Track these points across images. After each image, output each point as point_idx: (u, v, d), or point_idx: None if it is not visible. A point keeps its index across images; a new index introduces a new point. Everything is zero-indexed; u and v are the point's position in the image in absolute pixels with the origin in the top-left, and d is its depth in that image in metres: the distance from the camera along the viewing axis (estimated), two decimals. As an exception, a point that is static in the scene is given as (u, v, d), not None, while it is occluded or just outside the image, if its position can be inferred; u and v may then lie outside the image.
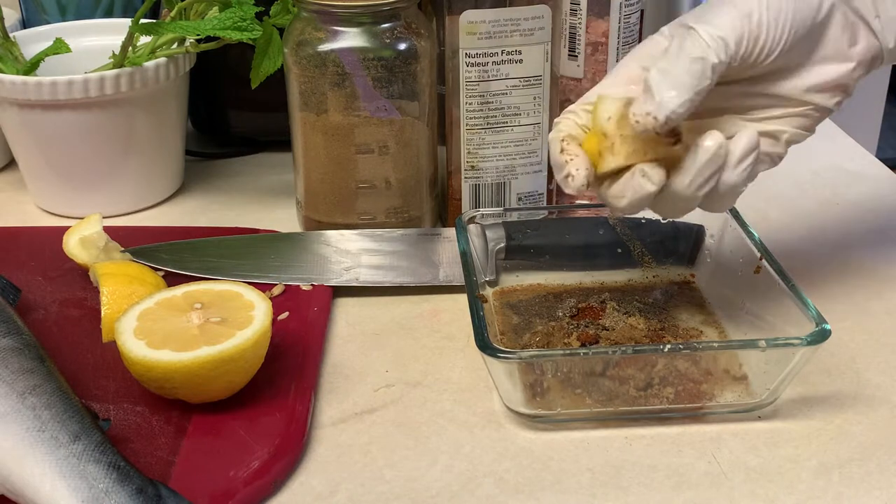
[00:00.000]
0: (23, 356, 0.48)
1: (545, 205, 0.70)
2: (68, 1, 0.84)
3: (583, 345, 0.55)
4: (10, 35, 0.74)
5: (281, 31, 0.69)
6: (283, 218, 0.73)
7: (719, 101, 0.51)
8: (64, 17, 0.85)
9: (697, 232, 0.63)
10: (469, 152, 0.67)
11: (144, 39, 0.73)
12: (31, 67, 0.70)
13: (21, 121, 0.71)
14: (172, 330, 0.51)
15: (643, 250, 0.63)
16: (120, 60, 0.70)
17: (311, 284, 0.63)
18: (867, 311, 0.62)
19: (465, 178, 0.68)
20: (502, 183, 0.68)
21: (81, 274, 0.64)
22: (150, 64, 0.70)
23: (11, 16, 0.84)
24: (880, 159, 0.83)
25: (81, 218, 0.66)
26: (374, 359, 0.58)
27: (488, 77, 0.65)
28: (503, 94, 0.65)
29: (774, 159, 0.52)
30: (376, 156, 0.66)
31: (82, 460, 0.43)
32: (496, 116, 0.66)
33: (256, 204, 0.77)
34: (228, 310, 0.52)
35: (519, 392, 0.52)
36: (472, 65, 0.64)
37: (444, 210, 0.71)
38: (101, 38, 0.77)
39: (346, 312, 0.62)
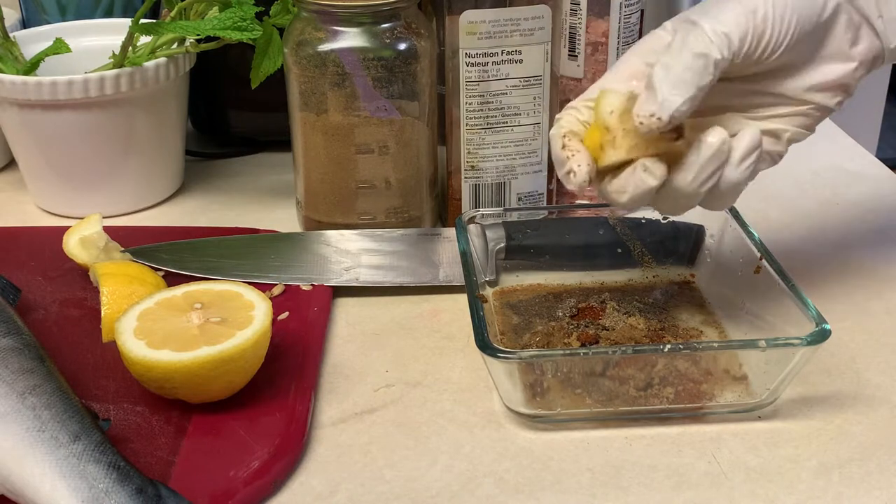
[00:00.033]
0: (23, 356, 0.48)
1: (545, 205, 0.70)
2: (68, 1, 0.84)
3: (583, 345, 0.55)
4: (10, 35, 0.74)
5: (281, 31, 0.69)
6: (283, 218, 0.73)
7: (721, 99, 0.51)
8: (64, 17, 0.85)
9: (697, 232, 0.63)
10: (469, 152, 0.67)
11: (144, 39, 0.73)
12: (31, 67, 0.70)
13: (21, 121, 0.71)
14: (172, 330, 0.51)
15: (643, 250, 0.63)
16: (120, 60, 0.70)
17: (311, 284, 0.63)
18: (867, 311, 0.62)
19: (465, 178, 0.68)
20: (502, 183, 0.68)
21: (81, 274, 0.64)
22: (150, 64, 0.70)
23: (11, 16, 0.84)
24: (880, 159, 0.83)
25: (81, 218, 0.66)
26: (374, 359, 0.58)
27: (488, 77, 0.65)
28: (503, 94, 0.65)
29: (775, 158, 0.52)
30: (376, 156, 0.66)
31: (82, 460, 0.43)
32: (496, 116, 0.66)
33: (256, 204, 0.77)
34: (228, 310, 0.52)
35: (519, 392, 0.52)
36: (472, 65, 0.64)
37: (444, 210, 0.71)
38: (101, 38, 0.77)
39: (346, 312, 0.62)
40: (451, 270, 0.64)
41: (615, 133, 0.48)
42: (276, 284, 0.63)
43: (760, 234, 0.59)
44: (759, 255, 0.57)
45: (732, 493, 0.47)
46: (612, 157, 0.48)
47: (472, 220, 0.62)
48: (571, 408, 0.51)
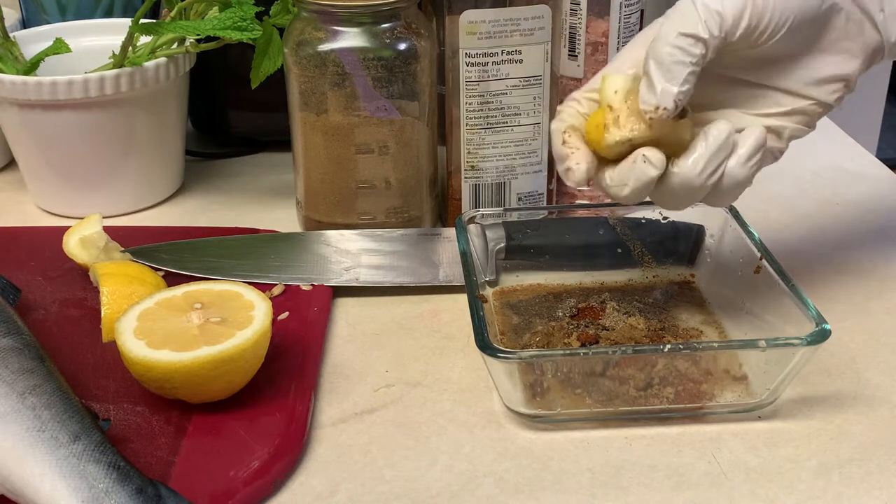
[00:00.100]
0: (23, 356, 0.48)
1: (545, 205, 0.70)
2: (68, 1, 0.84)
3: (583, 345, 0.55)
4: (10, 35, 0.74)
5: (281, 31, 0.69)
6: (283, 218, 0.73)
7: (722, 95, 0.51)
8: (64, 17, 0.85)
9: (697, 232, 0.63)
10: (469, 152, 0.67)
11: (144, 39, 0.73)
12: (31, 67, 0.70)
13: (21, 121, 0.71)
14: (172, 330, 0.51)
15: (643, 250, 0.63)
16: (120, 60, 0.70)
17: (311, 284, 0.63)
18: (867, 311, 0.62)
19: (465, 178, 0.68)
20: (502, 183, 0.68)
21: (81, 274, 0.64)
22: (150, 64, 0.70)
23: (11, 16, 0.84)
24: (880, 159, 0.83)
25: (81, 218, 0.66)
26: (374, 359, 0.57)
27: (488, 77, 0.65)
28: (503, 94, 0.65)
29: (776, 154, 0.52)
30: (376, 156, 0.66)
31: (82, 460, 0.43)
32: (496, 116, 0.66)
33: (256, 204, 0.77)
34: (228, 310, 0.52)
35: (519, 392, 0.52)
36: (472, 65, 0.64)
37: (444, 210, 0.71)
38: (101, 38, 0.77)
39: (346, 312, 0.62)
40: (451, 270, 0.64)
41: (619, 112, 0.48)
42: (276, 284, 0.63)
43: (760, 234, 0.59)
44: (759, 255, 0.57)
45: (732, 493, 0.47)
46: (615, 135, 0.48)
47: (472, 220, 0.62)
48: (571, 408, 0.51)
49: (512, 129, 0.67)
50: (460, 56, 0.64)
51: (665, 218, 0.63)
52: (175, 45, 0.72)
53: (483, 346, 0.49)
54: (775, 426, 0.52)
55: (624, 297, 0.60)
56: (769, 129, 0.51)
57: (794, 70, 0.50)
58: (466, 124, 0.66)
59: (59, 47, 0.70)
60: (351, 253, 0.65)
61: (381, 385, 0.55)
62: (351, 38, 0.63)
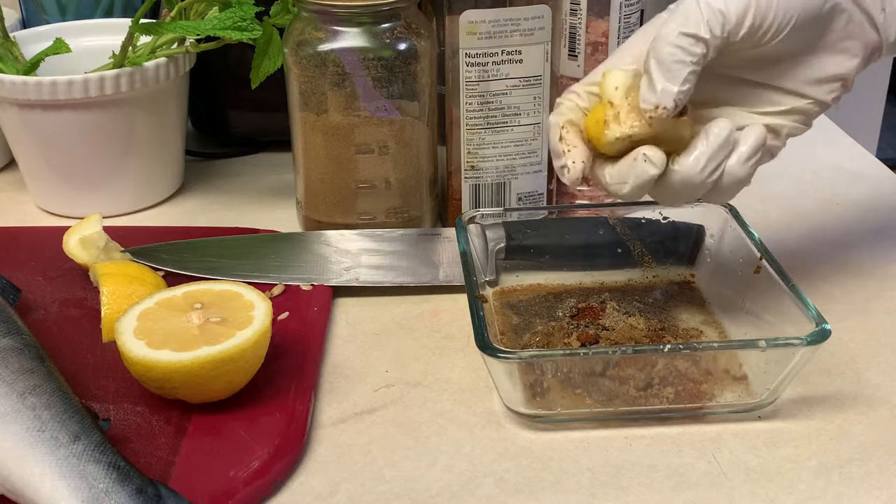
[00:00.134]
0: (23, 356, 0.48)
1: (545, 205, 0.70)
2: (68, 1, 0.84)
3: (583, 345, 0.55)
4: (10, 35, 0.74)
5: (281, 31, 0.69)
6: (283, 218, 0.73)
7: (723, 93, 0.51)
8: (64, 17, 0.85)
9: (697, 232, 0.63)
10: (469, 152, 0.67)
11: (144, 39, 0.73)
12: (31, 67, 0.70)
13: (21, 121, 0.71)
14: (172, 330, 0.51)
15: (643, 250, 0.63)
16: (120, 60, 0.70)
17: (311, 284, 0.63)
18: (867, 311, 0.62)
19: (465, 178, 0.68)
20: (502, 183, 0.68)
21: (81, 274, 0.64)
22: (150, 64, 0.70)
23: (11, 16, 0.84)
24: (880, 159, 0.83)
25: (81, 218, 0.66)
26: (374, 359, 0.57)
27: (488, 77, 0.65)
28: (503, 94, 0.65)
29: (774, 152, 0.52)
30: (376, 156, 0.66)
31: (82, 460, 0.43)
32: (496, 116, 0.66)
33: (256, 204, 0.77)
34: (228, 310, 0.52)
35: (519, 392, 0.52)
36: (472, 65, 0.64)
37: (444, 210, 0.71)
38: (101, 38, 0.77)
39: (346, 312, 0.62)
40: (451, 270, 0.64)
41: (619, 108, 0.48)
42: (276, 284, 0.63)
43: (760, 234, 0.59)
44: (759, 255, 0.57)
45: (732, 493, 0.47)
46: (615, 132, 0.48)
47: (472, 220, 0.62)
48: (571, 408, 0.51)
49: (512, 129, 0.67)
50: (460, 56, 0.64)
51: (665, 218, 0.63)
52: (175, 45, 0.72)
53: (483, 346, 0.49)
54: (775, 426, 0.52)
55: (624, 297, 0.60)
56: (769, 128, 0.51)
57: (794, 69, 0.51)
58: (466, 124, 0.66)
59: (59, 47, 0.70)
60: (351, 253, 0.65)
61: (381, 385, 0.55)
62: (351, 38, 0.63)
